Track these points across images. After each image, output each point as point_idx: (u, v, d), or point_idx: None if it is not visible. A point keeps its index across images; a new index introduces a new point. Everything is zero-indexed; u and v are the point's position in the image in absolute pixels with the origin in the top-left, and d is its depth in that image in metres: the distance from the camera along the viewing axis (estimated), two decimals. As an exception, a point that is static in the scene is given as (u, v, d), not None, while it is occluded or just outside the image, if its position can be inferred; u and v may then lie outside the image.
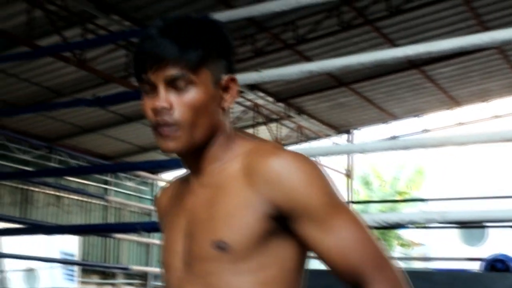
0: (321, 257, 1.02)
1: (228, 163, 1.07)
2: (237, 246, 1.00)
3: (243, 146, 1.09)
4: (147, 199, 13.54)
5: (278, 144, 1.10)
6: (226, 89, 1.07)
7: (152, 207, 13.09)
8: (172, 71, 1.02)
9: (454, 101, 11.28)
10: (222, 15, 3.52)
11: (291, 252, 1.04)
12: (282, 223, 1.02)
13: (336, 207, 1.01)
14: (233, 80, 1.08)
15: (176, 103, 1.03)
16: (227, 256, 1.01)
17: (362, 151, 3.77)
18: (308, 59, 8.86)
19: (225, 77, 1.07)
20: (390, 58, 3.42)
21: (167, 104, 1.03)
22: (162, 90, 1.03)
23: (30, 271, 9.68)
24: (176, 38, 1.02)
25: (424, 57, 3.63)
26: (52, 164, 11.35)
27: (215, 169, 1.08)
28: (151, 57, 1.02)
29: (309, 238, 1.01)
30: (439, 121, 12.22)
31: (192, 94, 1.03)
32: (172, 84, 1.02)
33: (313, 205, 0.99)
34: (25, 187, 10.98)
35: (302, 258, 1.06)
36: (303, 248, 1.05)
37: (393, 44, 8.56)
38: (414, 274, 3.00)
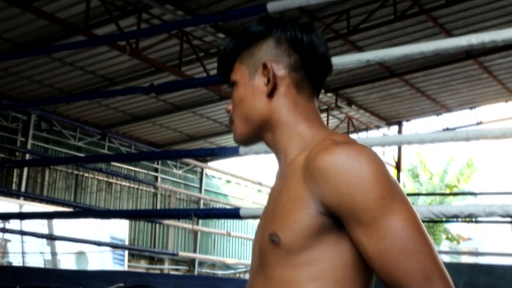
0: (368, 263, 0.97)
1: (300, 155, 1.06)
2: (288, 241, 1.00)
3: (316, 138, 1.08)
4: (195, 187, 13.71)
5: (347, 138, 1.07)
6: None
7: (199, 195, 13.29)
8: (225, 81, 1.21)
9: (511, 93, 10.92)
10: (275, 5, 3.51)
11: (347, 249, 0.99)
12: (336, 220, 0.99)
13: (387, 210, 0.94)
14: (264, 66, 1.12)
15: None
16: (280, 250, 1.01)
17: (417, 142, 3.69)
18: (360, 49, 8.75)
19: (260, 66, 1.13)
20: (453, 47, 3.33)
21: (228, 107, 1.19)
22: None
23: (80, 254, 9.95)
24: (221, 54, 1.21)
25: (488, 46, 3.51)
26: (104, 151, 11.62)
27: (289, 161, 1.09)
28: None
29: (355, 241, 0.97)
30: (494, 113, 11.87)
31: (235, 91, 1.16)
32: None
33: (359, 207, 0.95)
34: (78, 172, 11.28)
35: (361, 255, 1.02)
36: None
37: (449, 34, 8.33)
38: (476, 269, 2.93)
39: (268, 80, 1.11)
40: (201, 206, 13.33)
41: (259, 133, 1.15)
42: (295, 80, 1.12)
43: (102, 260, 10.45)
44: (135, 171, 12.20)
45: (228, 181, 14.59)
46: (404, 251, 0.92)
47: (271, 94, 1.11)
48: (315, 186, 0.98)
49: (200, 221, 11.95)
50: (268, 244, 1.03)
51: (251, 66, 1.14)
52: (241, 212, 3.62)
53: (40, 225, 9.09)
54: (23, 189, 10.07)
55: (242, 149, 3.64)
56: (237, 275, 13.74)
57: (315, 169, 0.98)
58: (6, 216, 7.16)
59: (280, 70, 1.12)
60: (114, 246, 10.01)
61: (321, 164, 0.98)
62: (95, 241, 7.98)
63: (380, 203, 0.94)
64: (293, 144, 1.10)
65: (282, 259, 1.01)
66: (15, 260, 9.11)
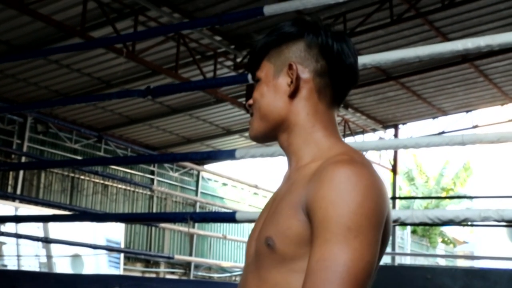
0: None
1: (313, 163, 1.06)
2: (282, 247, 1.00)
3: (333, 149, 1.08)
4: (191, 190, 13.69)
5: (363, 158, 1.04)
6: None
7: (195, 197, 13.27)
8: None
9: (507, 97, 10.95)
10: (272, 8, 3.50)
11: None
12: None
13: (343, 241, 0.92)
14: (290, 67, 1.12)
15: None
16: (275, 254, 1.01)
17: (413, 146, 3.69)
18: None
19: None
20: (449, 51, 3.33)
21: (249, 101, 1.19)
22: None
23: (76, 257, 9.91)
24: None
25: (483, 51, 3.52)
26: (100, 154, 11.59)
27: (300, 166, 1.10)
28: None
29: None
30: (490, 117, 11.90)
31: (257, 88, 1.17)
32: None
33: (325, 224, 0.94)
34: (74, 175, 11.26)
35: None
36: None
37: (445, 37, 8.36)
38: (471, 273, 2.93)
39: (292, 81, 1.12)
40: (197, 209, 13.32)
41: (274, 132, 1.15)
42: (318, 86, 1.12)
43: (97, 263, 10.41)
44: (131, 173, 12.18)
45: (224, 184, 14.58)
46: (328, 283, 0.90)
47: (292, 95, 1.12)
48: (309, 192, 0.99)
49: (196, 224, 11.94)
50: (264, 247, 1.03)
51: (277, 65, 1.14)
52: (237, 216, 3.61)
53: (35, 228, 9.05)
54: (18, 191, 10.03)
55: (238, 152, 3.64)
56: (233, 278, 13.71)
57: (318, 177, 0.99)
58: (2, 219, 7.12)
59: (305, 74, 1.12)
60: (109, 249, 9.98)
61: (325, 174, 0.98)
62: (90, 244, 7.95)
63: (343, 231, 0.93)
64: (307, 149, 1.11)
65: (277, 264, 1.01)
66: (10, 263, 9.07)
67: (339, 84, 1.14)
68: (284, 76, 1.13)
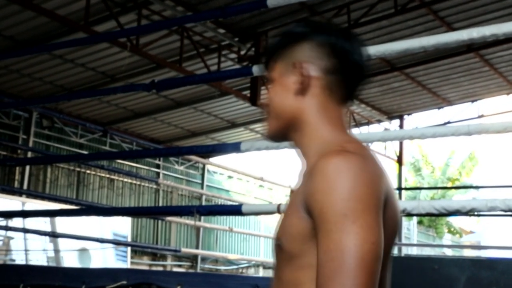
0: None
1: (314, 160, 1.06)
2: (288, 245, 1.03)
3: (333, 142, 1.09)
4: (197, 183, 13.71)
5: (359, 147, 1.06)
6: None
7: (201, 191, 13.29)
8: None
9: (512, 86, 10.90)
10: (276, 0, 3.49)
11: None
12: None
13: (344, 228, 0.94)
14: (298, 65, 1.14)
15: None
16: (284, 253, 1.04)
17: (418, 136, 3.68)
18: (361, 43, 8.72)
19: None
20: (454, 41, 3.31)
21: (264, 103, 1.24)
22: None
23: (83, 251, 9.96)
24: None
25: (489, 40, 3.50)
26: (105, 148, 11.62)
27: (308, 164, 1.11)
28: None
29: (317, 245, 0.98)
30: (496, 106, 11.85)
31: (271, 88, 1.19)
32: None
33: (323, 216, 0.96)
34: (80, 169, 11.29)
35: None
36: None
37: (450, 27, 8.31)
38: (479, 263, 2.93)
39: (300, 79, 1.14)
40: (203, 202, 13.35)
41: (288, 131, 1.17)
42: (328, 84, 1.14)
43: (104, 257, 10.46)
44: (137, 167, 12.20)
45: (230, 177, 14.59)
46: (338, 271, 0.92)
47: (301, 93, 1.14)
48: (306, 188, 1.01)
49: (203, 217, 11.96)
50: (276, 248, 1.07)
51: (288, 64, 1.16)
52: (243, 209, 3.62)
53: (42, 223, 9.09)
54: (25, 186, 10.08)
55: (243, 145, 3.64)
56: (240, 270, 13.76)
57: (312, 172, 1.01)
58: (9, 214, 7.16)
59: (314, 72, 1.13)
60: (116, 242, 10.02)
61: (317, 168, 1.00)
62: (97, 238, 7.99)
63: (341, 219, 0.95)
64: (314, 147, 1.11)
65: (287, 262, 1.04)
66: (18, 258, 9.13)
67: (348, 82, 1.15)
68: (294, 74, 1.14)
